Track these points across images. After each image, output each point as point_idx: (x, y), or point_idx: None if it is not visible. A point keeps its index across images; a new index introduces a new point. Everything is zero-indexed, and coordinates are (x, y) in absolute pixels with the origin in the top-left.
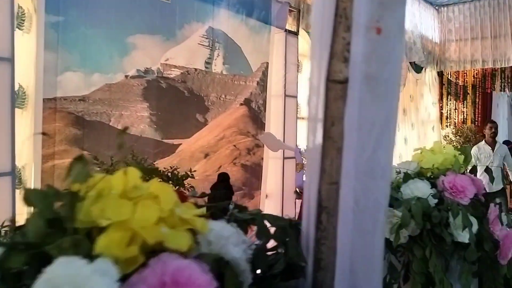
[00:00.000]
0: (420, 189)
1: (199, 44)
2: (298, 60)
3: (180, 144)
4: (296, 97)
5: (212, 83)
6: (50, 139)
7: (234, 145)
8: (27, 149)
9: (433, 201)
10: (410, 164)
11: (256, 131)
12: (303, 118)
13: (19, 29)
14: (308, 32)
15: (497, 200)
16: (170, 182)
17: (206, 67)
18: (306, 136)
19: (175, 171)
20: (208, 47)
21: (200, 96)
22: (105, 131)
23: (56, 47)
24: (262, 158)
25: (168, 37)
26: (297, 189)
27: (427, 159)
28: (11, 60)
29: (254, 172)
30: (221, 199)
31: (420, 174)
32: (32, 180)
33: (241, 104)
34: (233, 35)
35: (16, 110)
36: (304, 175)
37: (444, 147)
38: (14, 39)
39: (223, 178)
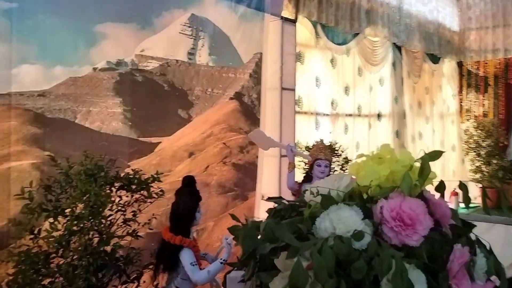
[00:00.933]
0: (345, 221)
1: (180, 33)
2: (296, 50)
3: (160, 142)
4: (294, 90)
5: (197, 76)
6: (4, 139)
7: (224, 143)
8: None
9: (361, 242)
10: (341, 179)
11: (250, 127)
12: (302, 113)
13: None
14: (312, 21)
15: (473, 236)
16: (133, 187)
17: (189, 58)
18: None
19: (137, 175)
20: (191, 37)
21: (183, 90)
22: (71, 129)
23: (9, 37)
24: (257, 157)
25: (143, 25)
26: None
27: (367, 172)
28: None
29: (248, 172)
30: (186, 206)
31: (352, 195)
32: None
33: (231, 98)
34: (220, 24)
35: None
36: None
37: (400, 153)
38: None
39: (188, 182)
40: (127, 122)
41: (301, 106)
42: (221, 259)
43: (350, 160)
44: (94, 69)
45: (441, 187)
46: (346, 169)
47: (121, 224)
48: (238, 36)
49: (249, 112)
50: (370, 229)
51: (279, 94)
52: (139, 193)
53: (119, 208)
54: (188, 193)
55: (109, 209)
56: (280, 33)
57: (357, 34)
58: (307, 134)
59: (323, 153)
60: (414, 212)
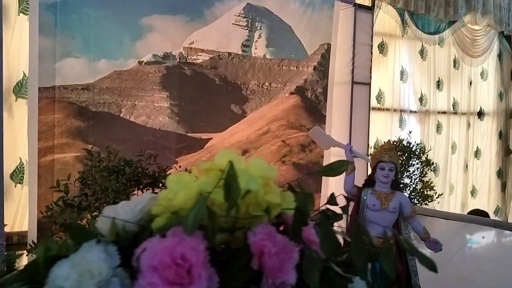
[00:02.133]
0: (87, 267)
1: (234, 24)
2: (372, 40)
3: (210, 138)
4: (369, 84)
5: (252, 69)
6: (48, 131)
7: (283, 141)
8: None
9: None
10: (134, 205)
11: (313, 125)
12: (383, 109)
13: (24, 13)
14: (397, 8)
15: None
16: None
17: (243, 51)
18: None
19: (162, 173)
20: (246, 28)
21: (236, 84)
22: (115, 123)
23: (53, 31)
24: (322, 156)
25: (193, 17)
26: (346, 195)
27: (169, 192)
28: None
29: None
30: None
31: (146, 227)
32: (26, 176)
33: (292, 93)
34: (280, 13)
35: (21, 100)
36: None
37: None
38: (2, 23)
39: None
40: (175, 117)
41: (382, 102)
42: None
43: (432, 163)
44: (140, 62)
45: (332, 200)
46: (426, 173)
47: None
48: (302, 26)
49: (313, 108)
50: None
51: (349, 89)
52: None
53: None
54: None
55: None
56: (352, 22)
57: (453, 22)
58: (388, 132)
59: (388, 155)
60: (186, 262)
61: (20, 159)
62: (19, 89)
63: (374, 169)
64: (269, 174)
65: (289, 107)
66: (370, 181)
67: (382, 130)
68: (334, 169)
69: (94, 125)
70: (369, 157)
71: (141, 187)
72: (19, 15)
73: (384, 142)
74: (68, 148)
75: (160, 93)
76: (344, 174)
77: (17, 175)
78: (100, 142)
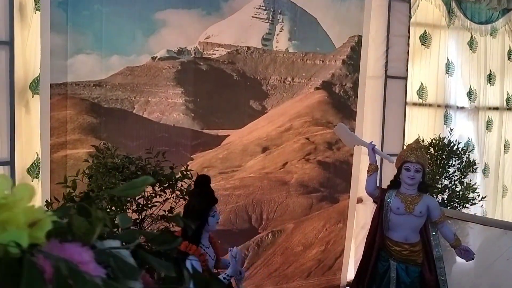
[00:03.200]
0: None
1: (253, 17)
2: (409, 31)
3: (228, 135)
4: (405, 78)
5: (273, 64)
6: (61, 127)
7: (307, 138)
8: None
9: None
10: None
11: (342, 121)
12: (426, 105)
13: (40, 11)
14: None
15: None
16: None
17: (264, 45)
18: None
19: (161, 171)
20: (266, 21)
21: (255, 79)
22: (128, 119)
23: (65, 28)
24: (352, 155)
25: (209, 11)
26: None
27: None
28: (9, 44)
29: (339, 172)
30: (195, 208)
31: None
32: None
33: (317, 88)
34: (304, 4)
35: (38, 97)
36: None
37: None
38: (13, 20)
39: (200, 182)
40: (190, 113)
41: (424, 97)
42: (225, 273)
43: (474, 164)
44: (153, 58)
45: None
46: (467, 175)
47: (155, 221)
48: (329, 17)
49: (341, 104)
50: None
51: (382, 83)
52: (167, 189)
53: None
54: (199, 194)
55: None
56: (386, 12)
57: (508, 10)
58: (431, 130)
59: (414, 155)
60: None
61: (37, 154)
62: (36, 86)
63: (399, 170)
64: None
65: (314, 103)
66: (395, 183)
67: (425, 127)
68: (134, 188)
69: (106, 121)
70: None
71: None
72: (35, 13)
73: (427, 140)
74: (81, 144)
75: (174, 89)
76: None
77: (34, 170)
78: (112, 138)
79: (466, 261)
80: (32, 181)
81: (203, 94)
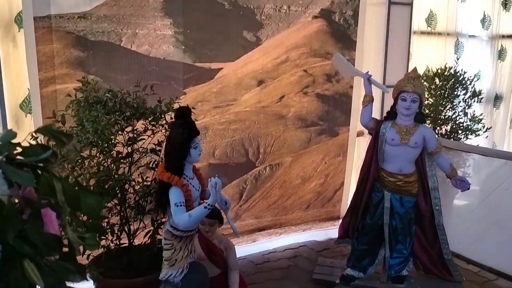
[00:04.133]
0: None
1: None
2: None
3: (221, 68)
4: (410, 4)
5: None
6: (48, 62)
7: (305, 70)
8: None
9: None
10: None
11: (342, 52)
12: (435, 34)
13: None
14: None
15: None
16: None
17: None
18: None
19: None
20: None
21: (249, 9)
22: (117, 52)
23: None
24: (351, 87)
25: None
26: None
27: None
28: None
29: (339, 104)
30: (176, 140)
31: None
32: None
33: (315, 17)
34: None
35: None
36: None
37: None
38: None
39: (181, 113)
40: (180, 46)
41: (433, 25)
42: (206, 203)
43: (479, 94)
44: None
45: None
46: (472, 104)
47: (143, 154)
48: None
49: (341, 33)
50: None
51: (385, 10)
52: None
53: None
54: (179, 126)
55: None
56: None
57: None
58: (440, 59)
59: (411, 84)
60: None
61: (28, 90)
62: (21, 20)
63: (395, 100)
64: None
65: (311, 33)
66: (391, 114)
67: (433, 57)
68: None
69: (94, 55)
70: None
71: (125, 118)
72: None
73: (432, 71)
74: (69, 79)
75: (162, 20)
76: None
77: (27, 106)
78: (102, 72)
79: (462, 191)
80: (26, 116)
81: (193, 25)
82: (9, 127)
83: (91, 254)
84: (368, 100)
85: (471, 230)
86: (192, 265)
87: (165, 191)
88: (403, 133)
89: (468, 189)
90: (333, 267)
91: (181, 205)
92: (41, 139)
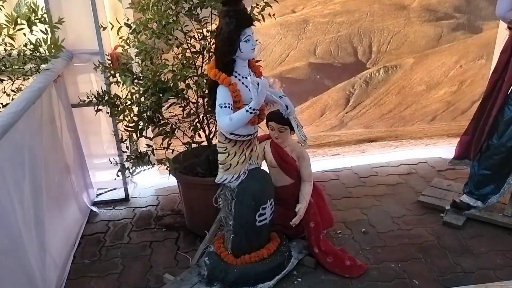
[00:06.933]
0: None
1: None
2: None
3: None
4: None
5: None
6: None
7: None
8: None
9: None
10: None
11: None
12: None
13: None
14: None
15: None
16: None
17: None
18: None
19: None
20: None
21: None
22: None
23: None
24: None
25: None
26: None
27: None
28: None
29: None
30: (223, 32)
31: None
32: None
33: None
34: None
35: None
36: None
37: None
38: None
39: (228, 0)
40: None
41: None
42: (248, 106)
43: None
44: None
45: None
46: None
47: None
48: None
49: None
50: None
51: None
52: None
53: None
54: (226, 14)
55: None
56: None
57: None
58: None
59: None
60: None
61: None
62: None
63: None
64: None
65: None
66: None
67: None
68: None
69: None
70: None
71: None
72: None
73: None
74: None
75: None
76: None
77: None
78: None
79: None
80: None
81: None
82: (108, 17)
83: (175, 149)
84: None
85: None
86: (252, 172)
87: (214, 89)
88: None
89: None
90: (449, 190)
91: (225, 107)
92: None
